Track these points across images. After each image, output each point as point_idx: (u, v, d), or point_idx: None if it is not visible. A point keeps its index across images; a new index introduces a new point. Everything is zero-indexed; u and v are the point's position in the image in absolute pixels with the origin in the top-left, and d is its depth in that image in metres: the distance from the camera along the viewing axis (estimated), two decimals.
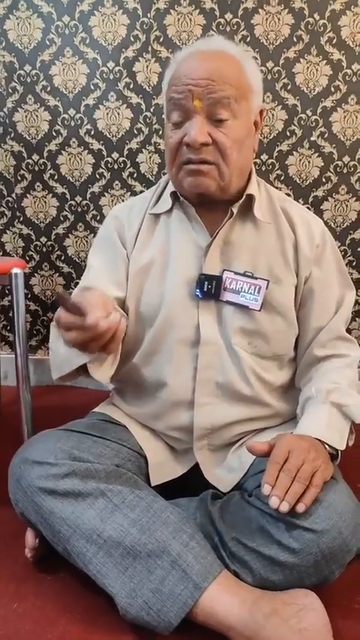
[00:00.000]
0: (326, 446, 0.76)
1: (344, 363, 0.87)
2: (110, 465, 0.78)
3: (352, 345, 0.90)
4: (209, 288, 0.83)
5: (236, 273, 0.84)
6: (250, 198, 0.84)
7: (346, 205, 1.41)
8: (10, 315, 1.56)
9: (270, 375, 0.88)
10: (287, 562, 0.70)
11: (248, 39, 1.31)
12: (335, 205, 1.42)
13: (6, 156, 1.42)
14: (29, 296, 1.53)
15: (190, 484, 0.88)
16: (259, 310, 0.83)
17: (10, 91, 1.38)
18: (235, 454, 0.88)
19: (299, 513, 0.68)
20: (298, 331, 0.89)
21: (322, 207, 1.42)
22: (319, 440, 0.75)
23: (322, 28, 1.30)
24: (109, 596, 0.70)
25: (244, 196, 0.84)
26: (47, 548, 0.79)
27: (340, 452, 0.78)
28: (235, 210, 0.84)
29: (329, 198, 1.41)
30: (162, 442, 0.92)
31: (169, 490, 0.85)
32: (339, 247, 1.39)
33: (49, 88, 1.37)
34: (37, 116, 1.39)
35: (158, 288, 0.86)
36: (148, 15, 1.31)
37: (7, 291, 1.54)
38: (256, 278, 0.83)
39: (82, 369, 0.78)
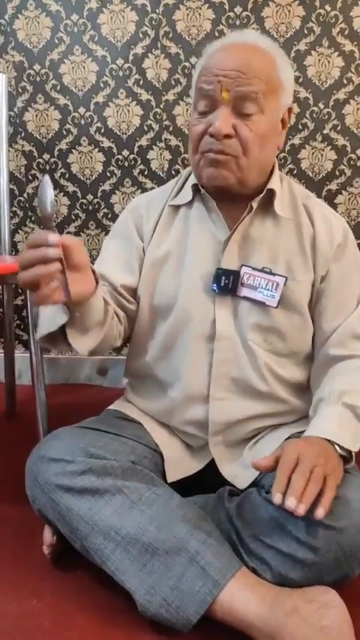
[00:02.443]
0: (337, 447, 0.74)
1: (359, 365, 0.85)
2: (126, 462, 0.78)
3: None
4: (226, 283, 0.83)
5: (254, 269, 0.83)
6: (271, 194, 0.84)
7: None
8: (24, 314, 1.57)
9: (286, 371, 0.87)
10: (307, 559, 0.69)
11: (259, 31, 1.30)
12: (349, 199, 1.40)
13: (17, 156, 1.42)
14: None
15: (206, 481, 0.87)
16: (276, 307, 0.82)
17: (19, 90, 1.38)
18: (251, 450, 0.88)
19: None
20: (314, 329, 0.87)
21: (335, 200, 1.40)
22: (330, 440, 0.73)
23: (333, 19, 1.28)
24: (127, 593, 0.70)
25: (264, 191, 0.83)
26: (65, 546, 0.79)
27: (353, 454, 0.76)
28: (255, 204, 0.83)
29: (343, 191, 1.39)
30: (177, 439, 0.92)
31: (186, 487, 0.84)
32: None
33: (58, 87, 1.37)
34: (47, 115, 1.39)
35: (174, 280, 0.86)
36: (157, 11, 1.31)
37: (19, 291, 1.55)
38: (274, 274, 0.83)
39: (65, 338, 0.76)
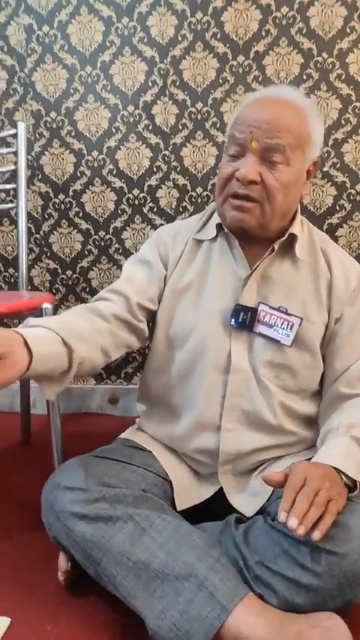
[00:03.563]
0: (342, 476, 0.77)
1: None
2: (137, 490, 0.81)
3: None
4: (244, 319, 0.87)
5: (271, 307, 0.87)
6: (293, 237, 0.88)
7: None
8: None
9: (295, 405, 0.90)
10: (311, 584, 0.71)
11: (260, 78, 1.39)
12: (350, 232, 1.45)
13: (34, 197, 1.51)
14: None
15: (214, 509, 0.90)
16: (290, 346, 0.86)
17: (37, 136, 1.47)
18: (257, 479, 0.90)
19: (323, 537, 0.68)
20: (325, 367, 0.91)
21: (336, 233, 1.45)
22: (336, 469, 0.76)
23: (330, 65, 1.36)
24: (139, 617, 0.72)
25: (286, 235, 0.87)
26: (79, 572, 0.82)
27: (358, 483, 0.79)
28: (276, 246, 0.88)
29: (344, 224, 1.45)
30: (186, 467, 0.95)
31: (195, 514, 0.87)
32: None
33: (73, 133, 1.46)
34: (62, 159, 1.48)
35: (193, 312, 0.90)
36: (165, 61, 1.40)
37: None
38: (290, 314, 0.86)
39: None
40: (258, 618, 0.70)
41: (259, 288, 0.89)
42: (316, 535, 0.67)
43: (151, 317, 0.94)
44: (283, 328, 0.86)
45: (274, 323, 0.87)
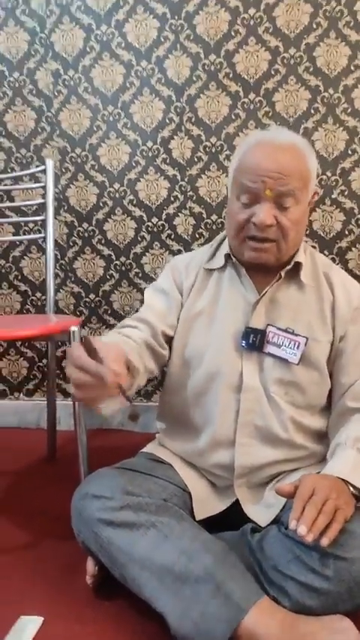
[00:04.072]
0: (350, 487, 0.81)
1: None
2: (159, 500, 0.87)
3: None
4: (254, 341, 0.93)
5: (279, 329, 0.94)
6: (298, 264, 0.96)
7: None
8: (63, 364, 1.72)
9: (305, 420, 0.95)
10: (322, 588, 0.76)
11: (270, 114, 1.48)
12: (359, 255, 1.52)
13: (60, 226, 1.62)
14: None
15: (231, 519, 0.95)
16: (297, 364, 0.92)
17: (63, 170, 1.59)
18: (271, 491, 0.95)
19: (331, 544, 0.73)
20: (332, 384, 0.96)
21: (346, 256, 1.52)
22: (344, 480, 0.81)
23: (336, 100, 1.45)
24: (161, 617, 0.78)
25: (292, 262, 0.95)
26: (105, 576, 0.88)
27: None
28: (283, 274, 0.95)
29: (353, 248, 1.51)
30: (204, 479, 1.01)
31: (213, 524, 0.92)
32: None
33: (96, 167, 1.57)
34: (86, 190, 1.59)
35: (206, 335, 0.97)
36: (181, 100, 1.51)
37: (59, 344, 1.70)
38: (297, 335, 0.93)
39: None
40: (272, 619, 0.74)
41: (268, 312, 0.95)
42: (324, 541, 0.73)
43: (171, 342, 1.01)
44: (291, 348, 0.93)
45: (282, 343, 0.93)
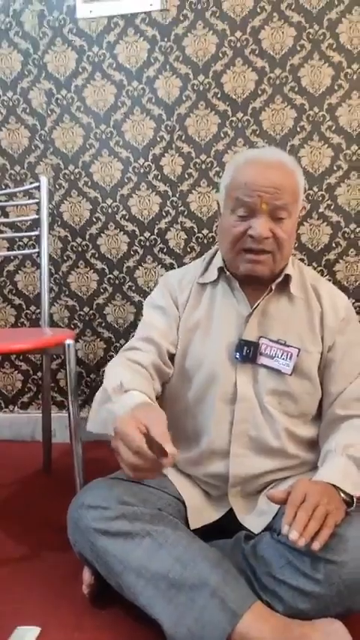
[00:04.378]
0: (341, 493, 0.84)
1: None
2: (154, 509, 0.89)
3: None
4: (247, 353, 0.96)
5: (271, 340, 0.96)
6: (287, 277, 0.99)
7: (356, 266, 1.56)
8: (58, 377, 1.73)
9: (297, 429, 0.98)
10: (313, 592, 0.78)
11: (257, 132, 1.53)
12: (346, 267, 1.56)
13: (54, 240, 1.65)
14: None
15: (224, 527, 0.97)
16: (290, 374, 0.95)
17: (57, 187, 1.62)
18: (264, 499, 0.97)
19: (322, 548, 0.75)
20: (322, 392, 0.99)
21: (334, 268, 1.56)
22: (334, 486, 0.84)
23: (321, 118, 1.50)
24: (156, 625, 0.79)
25: (282, 275, 0.98)
26: (102, 585, 0.89)
27: (354, 498, 0.85)
28: (274, 287, 0.98)
29: (340, 260, 1.56)
30: (199, 489, 1.03)
31: (207, 533, 0.94)
32: (352, 304, 1.51)
33: (89, 183, 1.61)
34: (80, 206, 1.62)
35: (202, 348, 0.99)
36: (171, 119, 1.55)
37: (54, 357, 1.72)
38: (289, 346, 0.96)
39: None
40: (265, 623, 0.76)
41: (260, 324, 0.98)
42: (316, 545, 0.75)
43: (172, 358, 1.02)
44: (283, 359, 0.96)
45: (275, 354, 0.96)
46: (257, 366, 0.97)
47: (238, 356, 0.96)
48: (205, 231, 1.59)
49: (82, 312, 1.69)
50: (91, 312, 1.69)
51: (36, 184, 1.46)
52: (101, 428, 0.85)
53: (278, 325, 0.98)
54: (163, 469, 0.69)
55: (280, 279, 0.98)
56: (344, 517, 0.82)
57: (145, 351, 0.96)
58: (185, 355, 1.01)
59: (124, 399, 0.81)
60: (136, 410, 0.75)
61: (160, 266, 1.62)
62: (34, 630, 0.85)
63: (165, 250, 1.62)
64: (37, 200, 1.46)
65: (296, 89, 1.50)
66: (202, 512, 0.99)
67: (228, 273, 1.00)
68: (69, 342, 1.10)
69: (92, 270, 1.66)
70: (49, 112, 1.60)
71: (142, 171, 1.58)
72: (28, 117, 1.61)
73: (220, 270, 1.02)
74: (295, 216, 0.96)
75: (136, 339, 1.00)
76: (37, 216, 1.45)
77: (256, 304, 0.98)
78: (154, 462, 0.69)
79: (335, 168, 1.51)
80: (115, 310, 1.67)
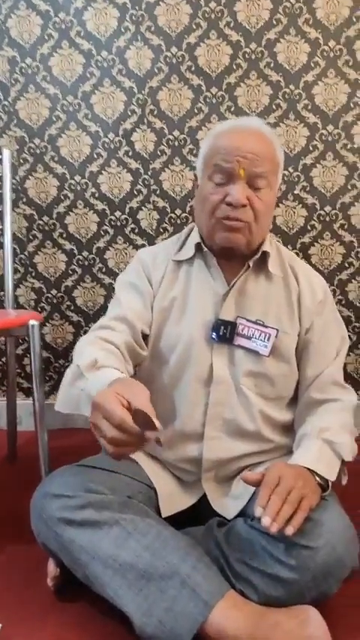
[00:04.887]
0: (316, 477, 0.82)
1: (339, 407, 0.94)
2: (123, 497, 0.85)
3: (346, 391, 0.97)
4: (224, 333, 0.92)
5: (249, 321, 0.93)
6: (265, 254, 0.95)
7: (331, 249, 1.54)
8: (24, 362, 1.66)
9: (273, 413, 0.95)
10: (288, 578, 0.76)
11: (232, 109, 1.48)
12: (321, 250, 1.54)
13: (19, 218, 1.56)
14: (41, 344, 1.63)
15: (197, 515, 0.94)
16: (268, 356, 0.92)
17: (21, 161, 1.54)
18: (239, 483, 0.95)
19: (297, 533, 0.73)
20: (299, 375, 0.97)
21: (309, 251, 1.54)
22: (310, 469, 0.82)
23: (297, 96, 1.46)
24: (125, 619, 0.76)
25: (259, 252, 0.94)
26: (67, 578, 0.85)
27: (330, 483, 0.84)
28: (251, 264, 0.94)
29: (315, 243, 1.54)
30: (170, 475, 0.99)
31: (178, 521, 0.91)
32: None
33: (56, 158, 1.53)
34: (46, 182, 1.54)
35: (177, 328, 0.95)
36: (143, 92, 1.49)
37: (20, 341, 1.65)
38: (267, 326, 0.92)
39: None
40: (239, 612, 0.74)
41: (237, 303, 0.95)
42: (289, 530, 0.73)
43: (146, 340, 0.97)
44: (261, 340, 0.92)
45: (253, 335, 0.93)
46: (234, 347, 0.93)
47: (214, 336, 0.93)
48: (178, 212, 1.54)
49: (49, 295, 1.62)
50: (59, 294, 1.62)
51: None
52: (73, 407, 0.79)
53: (256, 305, 0.95)
54: (146, 443, 0.63)
55: (257, 256, 0.94)
56: (319, 502, 0.80)
57: (118, 331, 0.91)
58: (160, 336, 0.96)
59: (99, 375, 0.75)
60: (116, 384, 0.70)
61: (131, 247, 1.56)
62: None
63: (137, 231, 1.56)
64: None
65: (272, 65, 1.45)
66: (175, 499, 0.96)
67: (205, 249, 0.96)
68: (33, 322, 1.04)
69: (60, 251, 1.59)
70: (13, 82, 1.51)
71: (112, 146, 1.51)
72: None
73: (197, 246, 0.97)
74: (274, 190, 0.92)
75: (108, 317, 0.95)
76: None
77: (233, 282, 0.94)
78: (137, 437, 0.63)
79: (311, 148, 1.48)
80: (84, 293, 1.61)
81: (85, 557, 0.79)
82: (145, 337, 0.96)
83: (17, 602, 0.86)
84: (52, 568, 0.87)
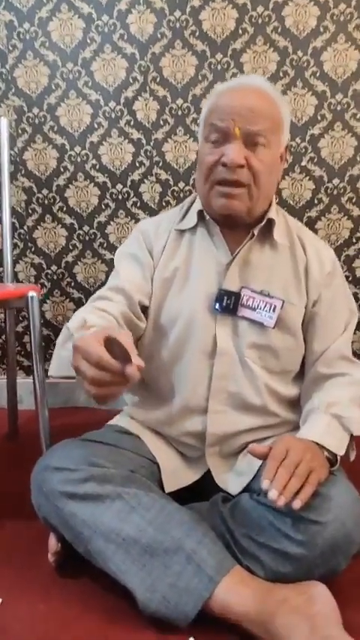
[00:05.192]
0: (324, 451, 0.80)
1: (347, 381, 0.91)
2: (126, 471, 0.83)
3: (355, 365, 0.94)
4: (228, 303, 0.89)
5: (253, 291, 0.89)
6: (271, 222, 0.91)
7: (339, 224, 1.49)
8: (24, 340, 1.63)
9: (279, 386, 0.92)
10: (296, 554, 0.74)
11: (238, 75, 1.42)
12: (328, 224, 1.49)
13: (17, 192, 1.52)
14: (42, 322, 1.60)
15: (201, 492, 0.92)
16: (273, 327, 0.89)
17: (19, 132, 1.48)
18: (244, 459, 0.93)
19: (304, 507, 0.71)
20: (305, 349, 0.93)
21: (316, 226, 1.49)
22: (318, 444, 0.79)
23: (305, 63, 1.40)
24: (128, 595, 0.74)
25: (264, 220, 0.90)
26: (68, 553, 0.83)
27: (339, 457, 0.82)
28: (256, 232, 0.90)
29: (322, 217, 1.49)
30: (174, 451, 0.97)
31: (182, 498, 0.88)
32: None
33: (56, 128, 1.48)
34: (45, 154, 1.49)
35: (179, 299, 0.92)
36: (145, 58, 1.43)
37: (20, 319, 1.62)
38: (272, 297, 0.89)
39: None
40: (245, 588, 0.72)
41: (241, 273, 0.91)
42: (297, 503, 0.70)
43: (146, 312, 0.94)
44: (266, 311, 0.89)
45: (257, 306, 0.89)
46: (238, 318, 0.90)
47: (217, 307, 0.89)
48: (181, 184, 1.49)
49: (49, 271, 1.58)
50: (59, 270, 1.58)
51: None
52: (64, 369, 0.76)
53: (261, 274, 0.91)
54: (128, 383, 0.60)
55: (262, 224, 0.90)
56: (328, 476, 0.77)
57: (115, 301, 0.88)
58: (161, 308, 0.93)
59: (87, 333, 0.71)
60: (99, 330, 0.66)
61: (133, 221, 1.52)
62: None
63: (138, 204, 1.51)
64: None
65: (279, 30, 1.39)
66: (178, 475, 0.94)
67: (208, 217, 0.92)
68: (32, 294, 1.01)
69: (60, 225, 1.54)
70: (11, 48, 1.45)
71: (113, 115, 1.46)
72: None
73: (200, 214, 0.93)
74: (275, 149, 0.87)
75: (105, 288, 0.92)
76: None
77: (237, 251, 0.90)
78: (117, 375, 0.59)
79: (319, 118, 1.43)
80: (85, 269, 1.57)
81: (87, 531, 0.77)
82: (145, 309, 0.93)
83: (18, 578, 0.84)
84: (53, 543, 0.85)
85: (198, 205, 0.94)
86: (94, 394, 0.61)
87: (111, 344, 0.60)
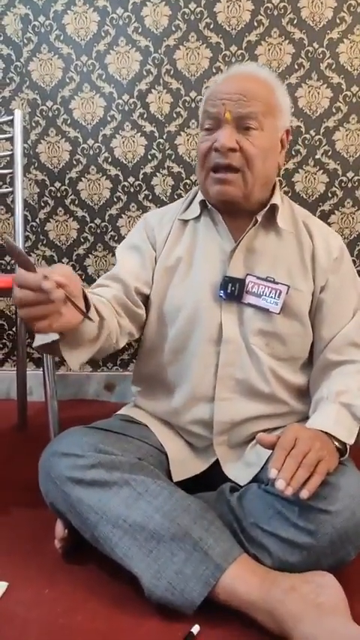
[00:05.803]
0: (334, 441, 0.79)
1: (356, 369, 0.90)
2: (133, 458, 0.83)
3: None
4: (232, 290, 0.89)
5: (258, 278, 0.89)
6: (274, 208, 0.91)
7: (352, 218, 1.47)
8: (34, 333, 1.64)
9: (287, 374, 0.92)
10: (304, 543, 0.73)
11: (259, 64, 1.41)
12: (342, 218, 1.48)
13: (30, 184, 1.53)
14: None
15: (208, 482, 0.91)
16: (279, 313, 0.88)
17: (33, 124, 1.49)
18: (253, 449, 0.92)
19: (314, 496, 0.70)
20: (313, 336, 0.93)
21: (329, 220, 1.48)
22: (327, 433, 0.78)
23: (321, 55, 1.39)
24: (134, 581, 0.74)
25: (268, 205, 0.90)
26: (75, 539, 0.83)
27: (348, 447, 0.81)
28: (259, 218, 0.90)
29: (336, 211, 1.47)
30: (182, 440, 0.97)
31: (189, 488, 0.87)
32: None
33: (69, 121, 1.48)
34: (58, 147, 1.50)
35: (183, 287, 0.92)
36: (159, 51, 1.43)
37: None
38: (277, 283, 0.88)
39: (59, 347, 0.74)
40: (252, 576, 0.71)
41: (246, 260, 0.91)
42: (304, 493, 0.69)
43: (147, 301, 0.95)
44: (272, 297, 0.88)
45: (263, 292, 0.89)
46: (243, 305, 0.89)
47: (222, 294, 0.89)
48: (193, 178, 1.49)
49: (61, 263, 1.59)
50: (70, 263, 1.58)
51: (9, 118, 1.33)
52: (42, 336, 0.74)
53: (265, 260, 0.90)
54: (52, 303, 0.59)
55: (265, 210, 0.90)
56: (337, 466, 0.76)
57: (109, 288, 0.90)
58: (164, 297, 0.93)
59: None
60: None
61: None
62: (1, 585, 0.78)
63: (150, 197, 1.51)
64: (10, 136, 1.33)
65: (295, 21, 1.38)
66: (186, 464, 0.93)
67: (210, 206, 0.92)
68: None
69: (72, 218, 1.55)
70: (26, 41, 1.46)
71: (126, 108, 1.46)
72: (2, 46, 1.46)
73: (202, 203, 0.93)
74: (270, 132, 0.86)
75: (103, 277, 0.94)
76: (10, 152, 1.33)
77: (241, 238, 0.90)
78: (41, 292, 0.58)
79: (334, 110, 1.41)
80: (96, 262, 1.58)
81: (93, 517, 0.77)
82: (145, 298, 0.94)
83: (25, 563, 0.84)
84: (60, 529, 0.85)
85: (201, 195, 0.94)
86: (23, 316, 0.61)
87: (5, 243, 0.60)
